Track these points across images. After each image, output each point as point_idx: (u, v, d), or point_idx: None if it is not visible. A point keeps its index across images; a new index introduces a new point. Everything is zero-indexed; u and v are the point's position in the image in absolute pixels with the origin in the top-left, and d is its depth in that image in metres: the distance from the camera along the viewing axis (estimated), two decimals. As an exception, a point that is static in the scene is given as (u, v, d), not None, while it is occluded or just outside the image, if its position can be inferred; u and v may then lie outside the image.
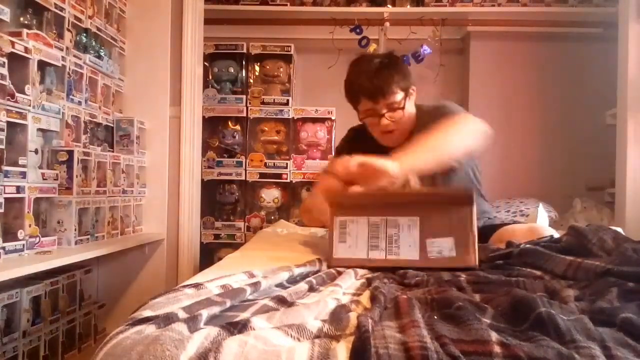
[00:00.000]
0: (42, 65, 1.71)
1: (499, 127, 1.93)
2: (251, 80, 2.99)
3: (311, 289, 1.00)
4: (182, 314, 0.75)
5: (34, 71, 1.63)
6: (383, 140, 1.71)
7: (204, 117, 2.72)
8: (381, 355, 0.61)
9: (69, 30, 1.92)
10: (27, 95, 1.58)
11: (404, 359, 0.60)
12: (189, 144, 2.50)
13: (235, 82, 2.96)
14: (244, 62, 2.96)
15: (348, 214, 1.31)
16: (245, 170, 2.89)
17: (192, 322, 0.70)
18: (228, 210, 2.95)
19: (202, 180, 2.78)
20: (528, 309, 0.73)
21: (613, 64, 2.62)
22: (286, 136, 2.95)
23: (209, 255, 2.75)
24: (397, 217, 1.27)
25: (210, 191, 2.91)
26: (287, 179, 2.89)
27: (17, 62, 1.55)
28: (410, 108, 1.69)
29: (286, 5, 3.08)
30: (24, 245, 1.56)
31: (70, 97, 1.93)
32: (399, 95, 1.64)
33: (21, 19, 1.71)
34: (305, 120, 2.94)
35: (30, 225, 1.59)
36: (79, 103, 1.99)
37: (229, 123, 2.95)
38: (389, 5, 3.08)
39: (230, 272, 1.08)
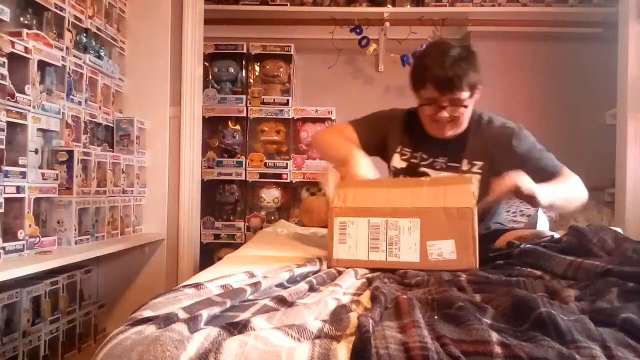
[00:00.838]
0: (42, 65, 1.71)
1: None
2: (251, 80, 2.98)
3: (311, 288, 1.00)
4: (183, 314, 0.75)
5: (34, 71, 1.63)
6: (430, 127, 1.68)
7: (204, 117, 2.72)
8: (382, 355, 0.61)
9: (69, 30, 1.92)
10: (27, 95, 1.58)
11: (404, 359, 0.60)
12: (189, 144, 2.50)
13: (235, 82, 2.96)
14: (244, 62, 2.95)
15: (348, 215, 1.31)
16: (245, 170, 2.89)
17: (193, 323, 0.70)
18: (228, 210, 2.95)
19: (202, 180, 2.78)
20: (528, 309, 0.73)
21: (613, 64, 2.62)
22: (286, 136, 2.95)
23: (209, 255, 2.75)
24: (397, 218, 1.26)
25: (210, 191, 2.91)
26: (287, 179, 2.89)
27: (17, 62, 1.55)
28: (470, 107, 1.65)
29: (286, 5, 3.08)
30: (24, 245, 1.56)
31: (70, 97, 1.93)
32: (466, 94, 1.59)
33: (21, 19, 1.71)
34: (305, 120, 2.93)
35: (30, 225, 1.59)
36: (79, 103, 1.99)
37: (229, 123, 2.95)
38: (389, 5, 3.07)
39: (230, 272, 1.08)
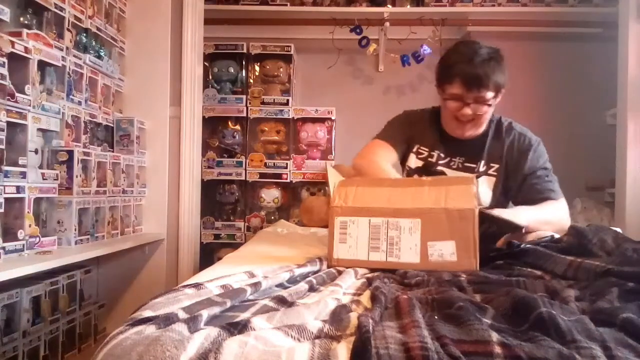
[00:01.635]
0: (42, 65, 1.71)
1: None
2: (251, 80, 2.98)
3: (311, 288, 1.00)
4: (183, 314, 0.75)
5: (34, 71, 1.63)
6: (450, 125, 1.69)
7: (204, 117, 2.72)
8: (382, 355, 0.61)
9: (69, 30, 1.92)
10: (27, 95, 1.58)
11: (404, 359, 0.60)
12: (189, 144, 2.50)
13: (235, 82, 2.96)
14: (244, 62, 2.95)
15: (348, 215, 1.30)
16: (245, 170, 2.89)
17: (193, 323, 0.70)
18: (228, 210, 2.95)
19: (202, 180, 2.78)
20: (529, 309, 0.73)
21: (613, 64, 2.62)
22: (286, 136, 2.95)
23: (209, 255, 2.75)
24: (398, 218, 1.25)
25: (210, 191, 2.91)
26: (287, 179, 2.89)
27: (17, 62, 1.55)
28: (492, 108, 1.67)
29: (286, 5, 3.08)
30: (24, 245, 1.56)
31: (70, 97, 1.93)
32: (491, 93, 1.61)
33: (21, 19, 1.71)
34: (305, 120, 2.93)
35: (30, 225, 1.59)
36: (79, 103, 1.99)
37: (229, 123, 2.95)
38: (389, 5, 3.07)
39: (230, 272, 1.08)
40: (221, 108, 2.90)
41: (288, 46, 2.96)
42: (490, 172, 1.68)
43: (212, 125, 2.93)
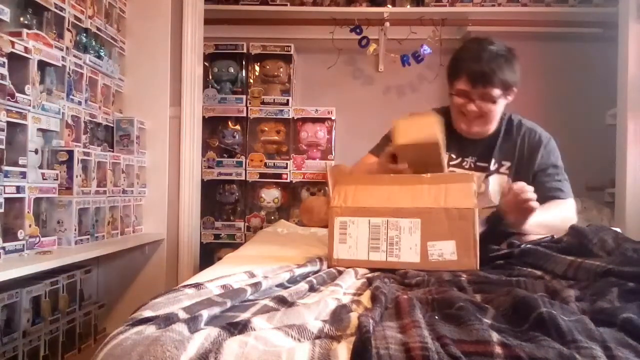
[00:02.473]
0: (42, 65, 1.71)
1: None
2: (251, 80, 2.99)
3: (312, 288, 1.00)
4: (183, 314, 0.75)
5: (34, 71, 1.63)
6: (457, 121, 1.69)
7: (204, 117, 2.72)
8: (382, 355, 0.61)
9: (69, 30, 1.92)
10: (27, 95, 1.58)
11: (405, 359, 0.60)
12: (189, 144, 2.50)
13: (235, 82, 2.96)
14: (244, 62, 2.95)
15: (348, 215, 1.30)
16: (245, 170, 2.89)
17: (193, 323, 0.70)
18: (228, 210, 2.95)
19: (202, 180, 2.78)
20: (529, 310, 0.73)
21: (613, 64, 2.62)
22: (286, 136, 2.95)
23: (209, 255, 2.75)
24: (398, 218, 1.25)
25: (210, 191, 2.91)
26: (287, 179, 2.89)
27: (17, 62, 1.55)
28: (501, 106, 1.66)
29: (286, 5, 3.08)
30: (24, 245, 1.56)
31: (70, 97, 1.93)
32: (497, 91, 1.60)
33: (21, 19, 1.71)
34: (305, 120, 2.93)
35: (30, 225, 1.59)
36: (79, 103, 1.99)
37: (229, 123, 2.95)
38: (389, 5, 3.07)
39: (230, 272, 1.08)
40: (221, 108, 2.90)
41: (288, 46, 2.96)
42: (501, 170, 1.68)
43: (212, 125, 2.93)
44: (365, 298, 0.91)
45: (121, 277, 2.39)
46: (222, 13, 3.06)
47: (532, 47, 3.13)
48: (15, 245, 1.52)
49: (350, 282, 1.08)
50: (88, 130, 2.07)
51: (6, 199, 1.49)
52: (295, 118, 2.92)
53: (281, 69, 2.95)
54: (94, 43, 2.12)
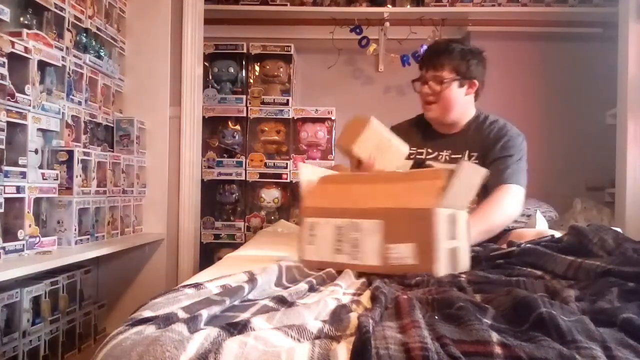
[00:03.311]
0: (42, 65, 1.71)
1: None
2: (251, 80, 2.99)
3: (311, 288, 1.00)
4: (182, 314, 0.75)
5: (34, 71, 1.63)
6: (424, 109, 1.83)
7: (204, 117, 2.72)
8: (382, 356, 0.61)
9: (69, 30, 1.92)
10: (27, 95, 1.58)
11: (404, 359, 0.60)
12: (189, 144, 2.50)
13: (235, 82, 2.96)
14: (244, 62, 2.95)
15: (316, 215, 1.26)
16: (245, 170, 2.89)
17: (192, 323, 0.70)
18: (228, 210, 2.95)
19: (202, 180, 2.78)
20: (529, 310, 0.73)
21: (613, 64, 2.62)
22: (286, 136, 2.95)
23: (209, 255, 2.75)
24: (360, 220, 1.17)
25: (210, 191, 2.91)
26: (287, 179, 2.89)
27: (17, 62, 1.55)
28: (458, 95, 1.76)
29: (286, 5, 3.08)
30: (24, 245, 1.56)
31: (70, 97, 1.93)
32: (447, 74, 1.74)
33: (21, 19, 1.71)
34: (305, 120, 2.94)
35: (30, 225, 1.59)
36: (79, 103, 1.99)
37: (229, 123, 2.95)
38: (389, 5, 3.07)
39: (230, 272, 1.08)
40: (221, 108, 2.90)
41: (288, 46, 2.96)
42: (471, 161, 1.74)
43: (212, 125, 2.93)
44: (365, 298, 0.91)
45: (121, 277, 2.39)
46: (222, 13, 3.07)
47: (532, 47, 3.13)
48: (15, 245, 1.52)
49: (349, 282, 1.08)
50: (88, 130, 2.07)
51: (6, 199, 1.49)
52: (295, 118, 2.92)
53: (281, 69, 2.95)
54: (94, 43, 2.12)
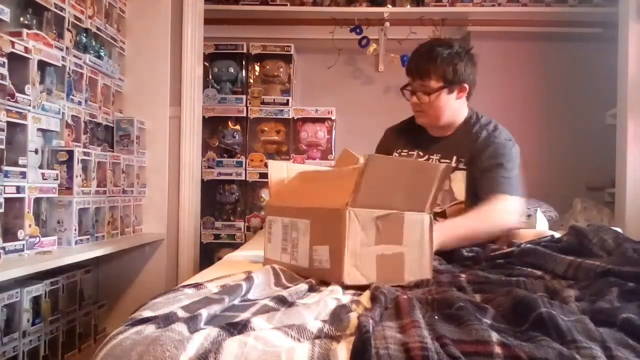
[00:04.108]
0: (42, 65, 1.71)
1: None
2: (251, 80, 2.98)
3: (311, 288, 1.00)
4: (182, 314, 0.75)
5: (34, 71, 1.63)
6: (415, 115, 1.80)
7: (204, 117, 2.72)
8: (382, 355, 0.61)
9: (69, 30, 1.92)
10: (27, 95, 1.58)
11: (404, 359, 0.60)
12: (189, 144, 2.50)
13: (235, 82, 2.96)
14: (244, 62, 2.95)
15: (273, 214, 1.25)
16: (245, 170, 2.89)
17: (192, 322, 0.70)
18: (228, 210, 2.95)
19: (202, 180, 2.78)
20: (529, 310, 0.73)
21: (613, 64, 2.62)
22: (286, 136, 2.95)
23: (209, 255, 2.75)
24: (297, 219, 1.13)
25: (210, 191, 2.91)
26: (287, 179, 2.88)
27: (17, 62, 1.55)
28: (448, 102, 1.70)
29: (286, 5, 3.08)
30: (24, 245, 1.55)
31: (70, 97, 1.93)
32: (435, 83, 1.68)
33: (21, 19, 1.71)
34: (305, 120, 2.93)
35: (30, 225, 1.59)
36: (79, 103, 1.99)
37: (229, 123, 2.95)
38: (389, 5, 3.07)
39: (230, 272, 1.08)
40: (221, 108, 2.90)
41: (288, 46, 2.95)
42: (460, 166, 1.71)
43: (212, 125, 2.93)
44: (365, 298, 0.91)
45: (121, 277, 2.39)
46: (222, 13, 3.07)
47: (532, 47, 3.13)
48: (15, 245, 1.52)
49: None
50: (88, 130, 2.07)
51: (6, 199, 1.49)
52: (295, 118, 2.92)
53: (281, 69, 2.95)
54: (94, 43, 2.12)
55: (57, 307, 1.86)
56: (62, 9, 1.87)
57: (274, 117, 2.91)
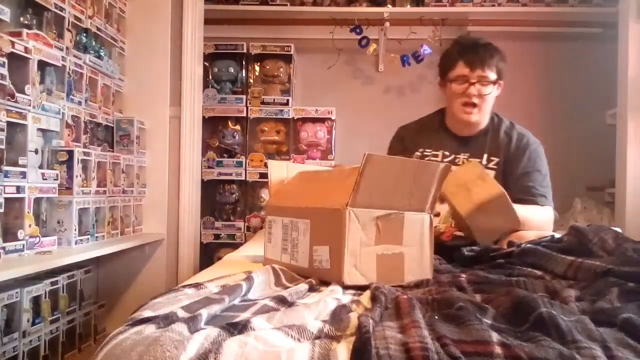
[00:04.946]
0: (42, 65, 1.71)
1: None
2: (251, 80, 2.99)
3: (311, 288, 1.00)
4: (182, 314, 0.75)
5: (34, 71, 1.63)
6: (460, 112, 1.76)
7: (204, 117, 2.72)
8: (382, 356, 0.61)
9: (69, 30, 1.92)
10: (27, 95, 1.58)
11: (404, 359, 0.60)
12: (189, 144, 2.50)
13: (235, 82, 2.96)
14: (244, 62, 2.95)
15: (273, 214, 1.25)
16: (245, 170, 2.89)
17: (192, 323, 0.70)
18: (228, 210, 2.95)
19: (202, 180, 2.78)
20: (529, 310, 0.73)
21: (613, 64, 2.62)
22: (286, 136, 2.95)
23: (209, 255, 2.75)
24: (298, 219, 1.14)
25: (210, 191, 2.91)
26: (287, 179, 2.88)
27: (17, 62, 1.55)
28: (493, 97, 1.76)
29: (286, 5, 3.08)
30: (24, 245, 1.55)
31: (70, 97, 1.93)
32: (493, 75, 1.72)
33: (21, 19, 1.71)
34: (305, 120, 2.93)
35: (30, 225, 1.59)
36: (79, 103, 1.99)
37: (229, 123, 2.95)
38: (389, 5, 3.07)
39: (230, 272, 1.08)
40: (221, 108, 2.90)
41: (288, 46, 2.95)
42: (490, 165, 1.73)
43: (212, 125, 2.93)
44: (365, 298, 0.91)
45: (121, 277, 2.39)
46: (222, 13, 3.06)
47: (532, 47, 3.13)
48: (15, 245, 1.52)
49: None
50: (88, 130, 2.07)
51: (6, 199, 1.49)
52: (295, 118, 2.92)
53: (281, 69, 2.95)
54: (94, 43, 2.12)
55: (57, 307, 1.86)
56: (62, 9, 1.87)
57: (274, 117, 2.91)
